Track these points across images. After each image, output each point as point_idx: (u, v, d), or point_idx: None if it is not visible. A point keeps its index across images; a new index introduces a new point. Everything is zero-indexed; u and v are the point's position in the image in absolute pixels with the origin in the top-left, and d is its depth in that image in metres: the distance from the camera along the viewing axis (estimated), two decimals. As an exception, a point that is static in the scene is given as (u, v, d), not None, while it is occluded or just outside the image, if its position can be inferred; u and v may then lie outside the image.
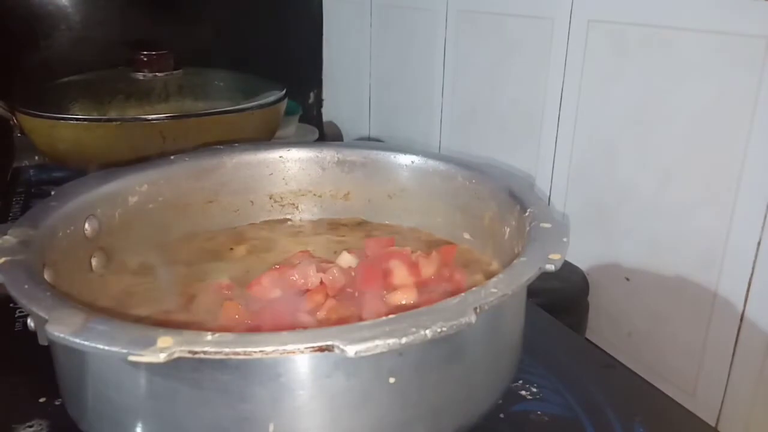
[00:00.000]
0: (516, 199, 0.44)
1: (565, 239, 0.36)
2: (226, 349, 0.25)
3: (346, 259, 0.44)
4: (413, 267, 0.42)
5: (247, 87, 0.74)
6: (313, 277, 0.41)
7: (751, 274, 0.52)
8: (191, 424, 0.29)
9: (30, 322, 0.31)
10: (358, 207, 0.56)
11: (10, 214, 0.69)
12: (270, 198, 0.56)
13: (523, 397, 0.40)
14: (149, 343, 0.25)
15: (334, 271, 0.41)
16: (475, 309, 0.28)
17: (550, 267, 0.33)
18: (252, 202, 0.55)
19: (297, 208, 0.57)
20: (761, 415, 0.53)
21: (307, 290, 0.40)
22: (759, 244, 0.51)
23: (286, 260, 0.47)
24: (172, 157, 0.52)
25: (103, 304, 0.41)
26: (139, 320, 0.40)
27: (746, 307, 0.53)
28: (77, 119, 0.65)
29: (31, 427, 0.36)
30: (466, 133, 0.84)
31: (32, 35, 0.90)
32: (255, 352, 0.26)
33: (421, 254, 0.44)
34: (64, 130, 0.65)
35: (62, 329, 0.27)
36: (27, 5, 0.89)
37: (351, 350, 0.25)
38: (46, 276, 0.36)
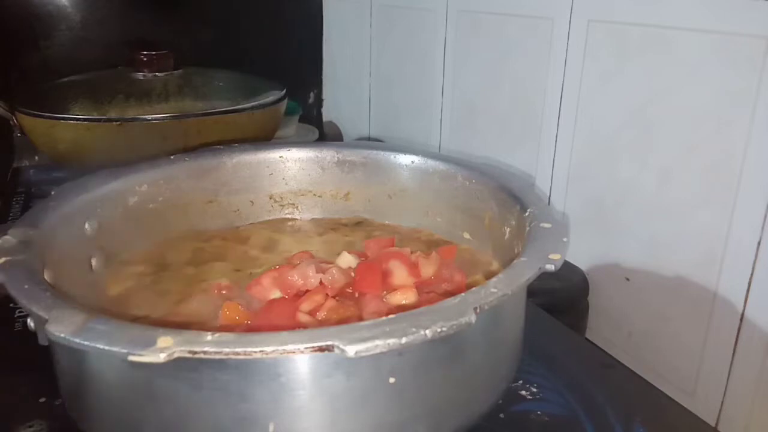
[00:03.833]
0: (516, 199, 0.44)
1: (565, 239, 0.36)
2: (226, 349, 0.25)
3: (346, 260, 0.44)
4: (413, 267, 0.42)
5: (247, 87, 0.74)
6: (313, 278, 0.41)
7: (751, 274, 0.52)
8: (191, 424, 0.29)
9: (30, 322, 0.31)
10: (358, 207, 0.56)
11: (10, 214, 0.69)
12: (270, 198, 0.56)
13: (523, 397, 0.40)
14: (149, 343, 0.25)
15: (334, 272, 0.41)
16: (475, 309, 0.28)
17: (550, 267, 0.33)
18: (252, 202, 0.55)
19: (297, 208, 0.57)
20: (761, 415, 0.53)
21: (307, 291, 0.40)
22: (759, 243, 0.51)
23: (286, 260, 0.47)
24: (172, 157, 0.52)
25: (103, 304, 0.41)
26: (139, 320, 0.40)
27: (746, 307, 0.53)
28: (77, 119, 0.65)
29: (31, 427, 0.36)
30: (466, 133, 0.84)
31: (32, 35, 0.90)
32: (255, 352, 0.26)
33: (421, 254, 0.44)
34: (64, 130, 0.65)
35: (62, 329, 0.27)
36: (27, 5, 0.89)
37: (351, 350, 0.25)
38: (46, 276, 0.36)
